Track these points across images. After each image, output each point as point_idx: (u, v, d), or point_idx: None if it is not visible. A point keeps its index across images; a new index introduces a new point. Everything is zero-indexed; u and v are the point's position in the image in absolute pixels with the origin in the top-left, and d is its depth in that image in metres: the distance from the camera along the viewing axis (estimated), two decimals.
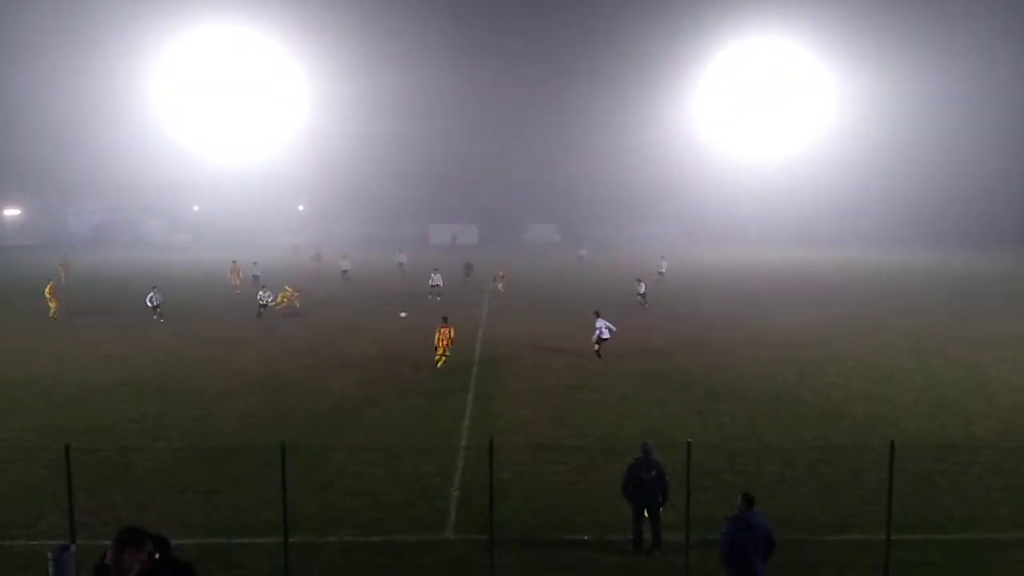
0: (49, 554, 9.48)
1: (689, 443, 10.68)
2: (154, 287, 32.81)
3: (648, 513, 11.40)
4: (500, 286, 42.78)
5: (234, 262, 44.66)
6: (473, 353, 25.46)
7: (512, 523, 12.28)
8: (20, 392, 20.43)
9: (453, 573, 11.05)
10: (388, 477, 14.40)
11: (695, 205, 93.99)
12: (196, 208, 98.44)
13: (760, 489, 11.47)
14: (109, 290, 43.43)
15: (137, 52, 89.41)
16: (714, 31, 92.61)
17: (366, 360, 24.53)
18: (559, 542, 11.86)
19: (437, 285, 39.79)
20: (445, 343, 22.99)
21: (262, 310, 32.95)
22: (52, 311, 32.92)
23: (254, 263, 44.55)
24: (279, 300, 34.68)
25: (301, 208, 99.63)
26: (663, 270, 47.43)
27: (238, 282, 42.52)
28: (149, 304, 32.02)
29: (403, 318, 33.01)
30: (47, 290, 33.63)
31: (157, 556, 4.77)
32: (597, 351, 24.28)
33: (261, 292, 33.90)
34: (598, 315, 24.75)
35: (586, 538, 11.95)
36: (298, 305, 34.82)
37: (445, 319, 23.93)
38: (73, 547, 9.71)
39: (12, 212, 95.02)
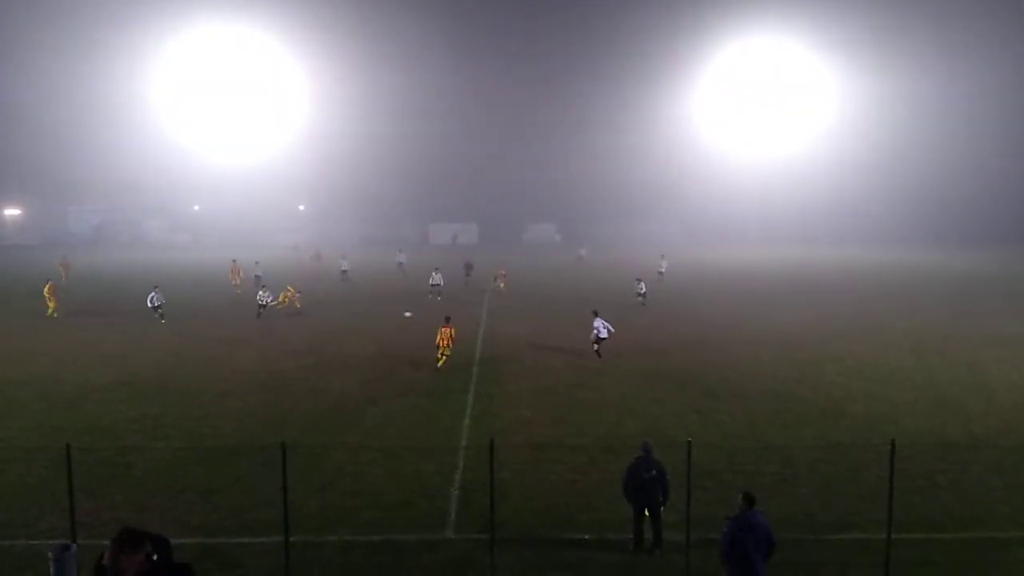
0: (50, 553, 9.48)
1: (689, 442, 10.68)
2: (155, 287, 32.66)
3: (649, 512, 11.40)
4: (501, 285, 42.99)
5: (234, 261, 44.67)
6: (473, 352, 25.46)
7: (512, 522, 12.27)
8: (20, 392, 20.43)
9: (453, 572, 11.05)
10: (388, 476, 14.40)
11: (695, 205, 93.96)
12: (196, 208, 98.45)
13: (760, 488, 11.47)
14: (109, 290, 43.42)
15: (137, 52, 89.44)
16: (714, 31, 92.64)
17: (366, 360, 24.52)
18: (559, 541, 11.86)
19: (437, 285, 39.80)
20: (446, 342, 22.99)
21: (261, 310, 32.94)
22: (50, 310, 32.95)
23: (256, 263, 44.55)
24: (281, 299, 34.68)
25: (301, 208, 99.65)
26: (663, 269, 47.44)
27: (238, 281, 42.52)
28: (150, 305, 31.89)
29: (408, 318, 32.94)
30: (46, 289, 33.67)
31: (155, 558, 4.74)
32: (597, 351, 24.26)
33: (261, 292, 33.88)
34: (596, 314, 24.76)
35: (586, 537, 11.95)
36: (298, 305, 34.82)
37: (448, 319, 23.93)
38: (74, 546, 9.71)
39: (12, 212, 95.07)
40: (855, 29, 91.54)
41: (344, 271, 47.75)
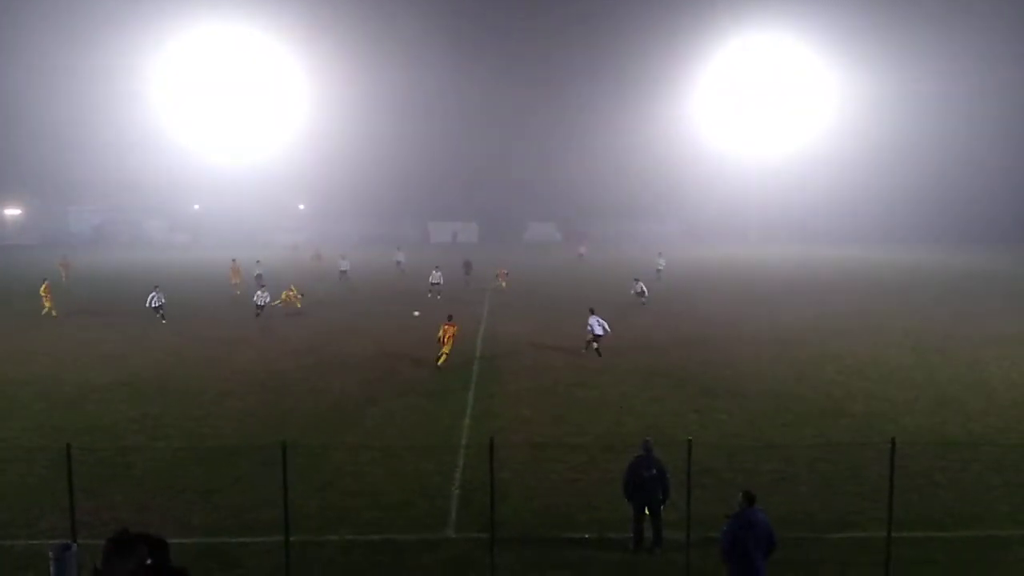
0: (50, 553, 9.46)
1: (690, 441, 10.68)
2: (156, 287, 32.50)
3: (649, 511, 11.40)
4: (503, 283, 43.10)
5: (234, 261, 44.64)
6: (474, 351, 25.47)
7: (512, 521, 12.28)
8: (20, 392, 20.42)
9: (453, 572, 11.05)
10: (388, 476, 14.40)
11: (695, 204, 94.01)
12: (196, 208, 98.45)
13: (760, 487, 11.46)
14: (109, 290, 43.43)
15: (137, 52, 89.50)
16: (714, 29, 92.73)
17: (366, 360, 24.52)
18: (560, 540, 11.86)
19: (438, 283, 39.79)
20: (448, 340, 22.98)
21: (259, 311, 32.89)
22: (46, 309, 32.96)
23: (257, 262, 44.54)
24: (282, 298, 34.67)
25: (301, 208, 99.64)
26: (661, 267, 47.43)
27: (238, 281, 42.51)
28: (150, 306, 31.78)
29: (417, 317, 32.78)
30: (42, 288, 33.72)
31: (149, 562, 4.66)
32: (597, 349, 24.26)
33: (259, 292, 33.85)
34: (592, 312, 24.76)
35: (587, 536, 11.95)
36: (299, 305, 34.81)
37: (450, 317, 23.94)
38: (74, 546, 9.69)
39: (12, 212, 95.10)
40: (856, 28, 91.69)
41: (343, 271, 47.56)
